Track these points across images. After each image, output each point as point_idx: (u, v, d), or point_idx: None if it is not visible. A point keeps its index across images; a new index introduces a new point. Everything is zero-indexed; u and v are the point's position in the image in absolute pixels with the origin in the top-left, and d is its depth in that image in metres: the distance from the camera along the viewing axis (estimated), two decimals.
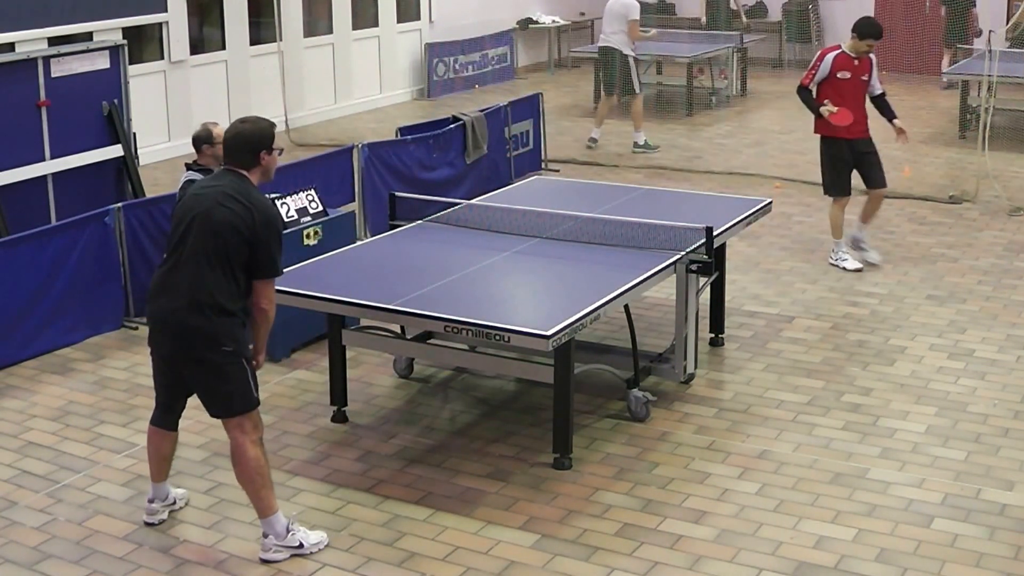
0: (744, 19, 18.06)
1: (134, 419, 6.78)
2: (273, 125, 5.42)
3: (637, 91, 13.45)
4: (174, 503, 5.75)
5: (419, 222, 7.50)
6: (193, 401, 5.45)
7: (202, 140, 7.44)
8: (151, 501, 5.67)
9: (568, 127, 14.61)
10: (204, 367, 5.21)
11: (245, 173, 5.28)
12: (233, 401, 5.25)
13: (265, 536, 5.35)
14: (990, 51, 11.52)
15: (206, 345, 5.16)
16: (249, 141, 5.28)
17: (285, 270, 6.67)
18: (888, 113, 9.37)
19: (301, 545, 5.35)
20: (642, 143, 13.45)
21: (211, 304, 5.12)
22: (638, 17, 13.19)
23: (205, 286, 5.13)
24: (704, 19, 17.87)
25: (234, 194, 5.19)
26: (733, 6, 18.23)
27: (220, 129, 7.83)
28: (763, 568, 5.24)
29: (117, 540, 5.52)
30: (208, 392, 5.29)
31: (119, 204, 8.32)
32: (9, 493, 5.97)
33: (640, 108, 13.52)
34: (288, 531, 5.35)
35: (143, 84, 12.38)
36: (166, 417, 5.56)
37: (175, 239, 5.27)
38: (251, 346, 5.37)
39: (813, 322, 8.17)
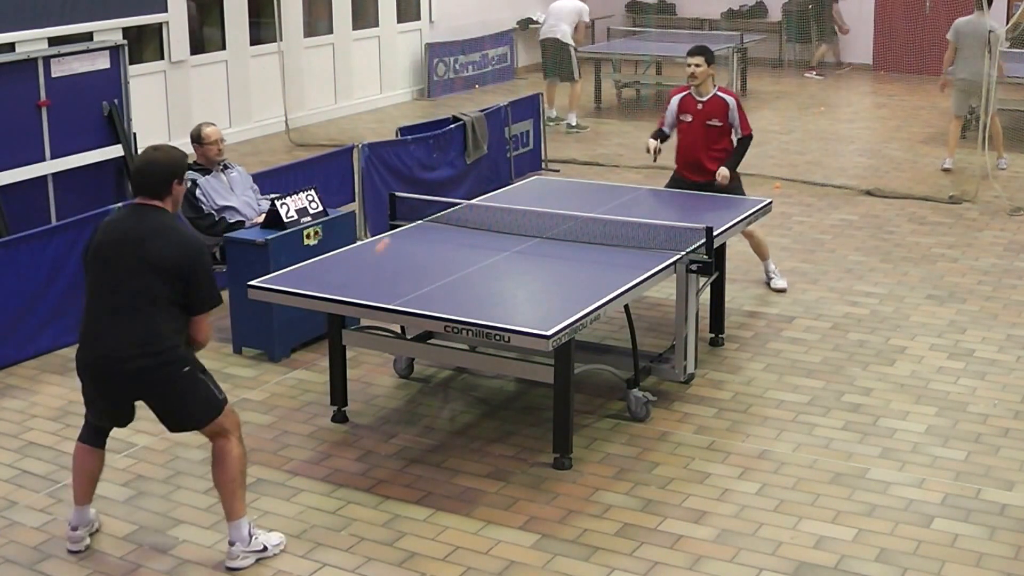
0: None
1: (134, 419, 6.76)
2: (185, 155, 5.32)
3: (577, 78, 14.67)
4: (96, 528, 5.53)
5: (419, 222, 7.50)
6: None
7: (192, 139, 7.70)
8: (75, 528, 5.39)
9: None
10: (164, 395, 5.12)
11: (159, 204, 5.13)
12: (207, 410, 5.16)
13: (231, 544, 5.24)
14: (990, 51, 11.52)
15: (165, 380, 5.07)
16: (163, 170, 5.13)
17: (287, 269, 6.73)
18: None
19: (265, 548, 5.28)
20: (574, 124, 14.64)
21: (163, 348, 5.02)
22: (588, 20, 14.97)
23: (156, 331, 5.01)
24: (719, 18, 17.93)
25: (164, 231, 5.06)
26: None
27: (211, 129, 7.89)
28: (763, 568, 5.24)
29: (117, 540, 5.51)
30: (175, 414, 5.19)
31: (119, 204, 8.29)
32: (9, 493, 5.97)
33: (579, 93, 14.78)
34: (251, 536, 5.26)
35: (143, 84, 12.39)
36: (96, 436, 5.42)
37: (105, 281, 5.09)
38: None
39: (813, 322, 8.16)
